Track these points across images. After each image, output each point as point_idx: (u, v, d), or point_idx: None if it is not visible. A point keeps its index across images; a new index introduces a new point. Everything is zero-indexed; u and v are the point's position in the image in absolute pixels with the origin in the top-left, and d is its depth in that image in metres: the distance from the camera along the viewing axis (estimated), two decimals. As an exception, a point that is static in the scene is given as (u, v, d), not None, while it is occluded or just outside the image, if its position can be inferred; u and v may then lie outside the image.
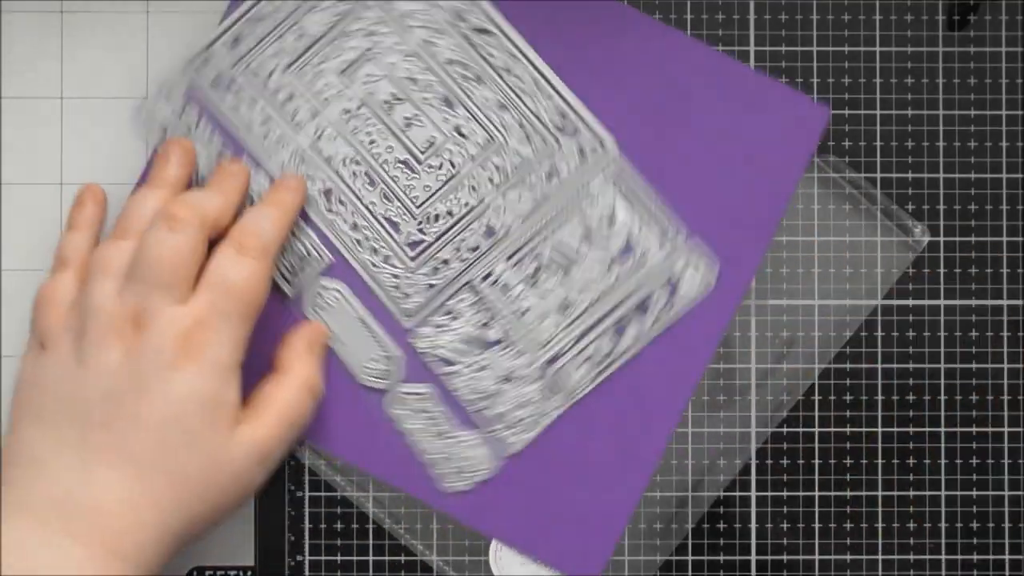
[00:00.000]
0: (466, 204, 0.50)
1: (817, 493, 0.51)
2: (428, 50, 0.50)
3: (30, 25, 0.51)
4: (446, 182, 0.50)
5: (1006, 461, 0.51)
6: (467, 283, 0.50)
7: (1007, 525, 0.51)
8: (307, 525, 0.51)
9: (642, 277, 0.50)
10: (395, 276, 0.50)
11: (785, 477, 0.51)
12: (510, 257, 0.50)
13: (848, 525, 0.51)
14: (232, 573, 0.51)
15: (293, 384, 0.47)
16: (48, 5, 0.51)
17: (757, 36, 0.51)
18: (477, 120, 0.50)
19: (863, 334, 0.51)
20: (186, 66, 0.50)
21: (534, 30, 0.50)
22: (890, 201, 0.51)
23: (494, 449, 0.50)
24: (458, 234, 0.50)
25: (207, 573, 0.51)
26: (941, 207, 0.51)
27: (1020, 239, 0.51)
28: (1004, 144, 0.51)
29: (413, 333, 0.50)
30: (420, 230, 0.50)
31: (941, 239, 0.51)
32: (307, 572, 0.51)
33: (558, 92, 0.50)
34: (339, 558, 0.51)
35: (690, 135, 0.50)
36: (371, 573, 0.51)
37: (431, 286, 0.50)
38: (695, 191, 0.50)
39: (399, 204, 0.50)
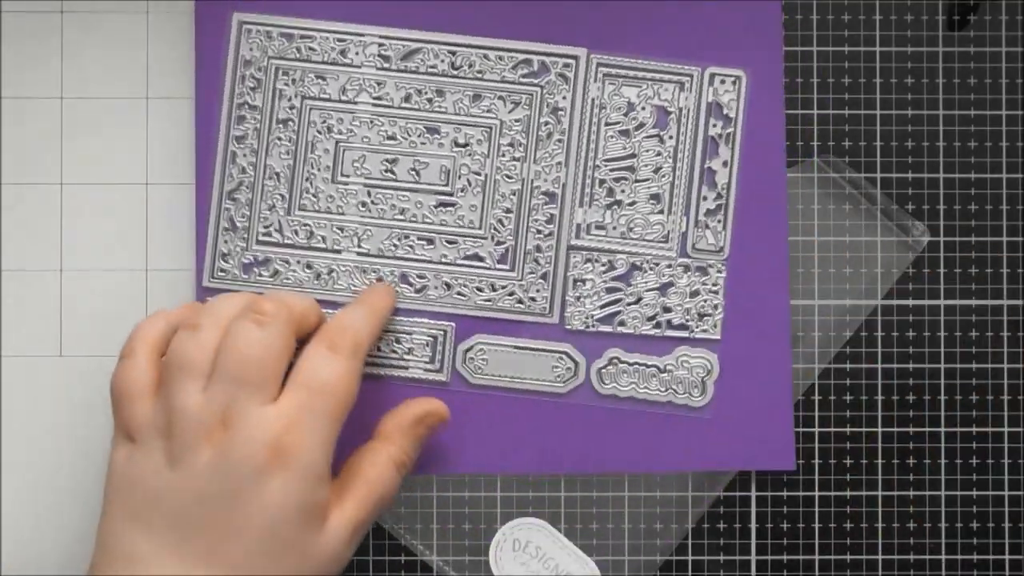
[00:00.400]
0: (512, 192, 0.50)
1: (817, 493, 0.51)
2: (379, 104, 0.50)
3: (30, 25, 0.51)
4: (484, 189, 0.50)
5: (1006, 461, 0.51)
6: (568, 247, 0.50)
7: (1007, 525, 0.51)
8: (307, 525, 0.51)
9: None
10: (513, 296, 0.50)
11: (785, 477, 0.51)
12: (581, 203, 0.50)
13: (848, 525, 0.51)
14: (232, 573, 0.51)
15: (383, 461, 0.47)
16: (48, 5, 0.51)
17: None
18: (460, 123, 0.50)
19: (863, 334, 0.51)
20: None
21: None
22: (890, 201, 0.51)
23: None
24: (528, 220, 0.50)
25: (207, 573, 0.51)
26: (941, 207, 0.51)
27: (1020, 239, 0.51)
28: (1004, 144, 0.51)
29: (571, 322, 0.50)
30: (499, 243, 0.50)
31: (941, 239, 0.51)
32: (307, 572, 0.51)
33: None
34: (339, 558, 0.51)
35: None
36: (371, 573, 0.51)
37: (544, 276, 0.50)
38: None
39: (466, 238, 0.50)
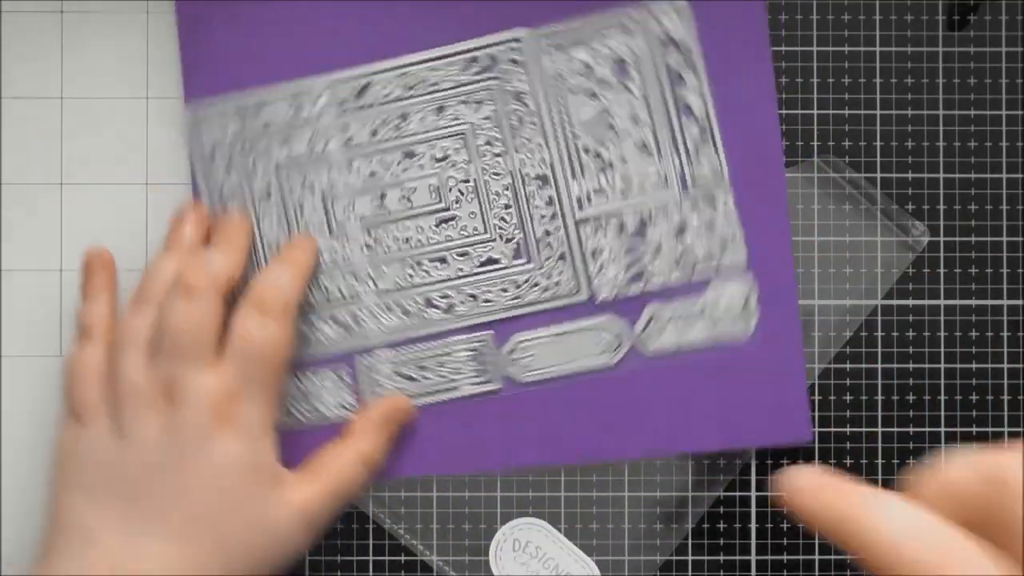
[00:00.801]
0: (505, 188, 0.50)
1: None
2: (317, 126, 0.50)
3: (30, 25, 0.51)
4: (476, 193, 0.50)
5: (1006, 461, 0.51)
6: (576, 222, 0.50)
7: None
8: (307, 525, 0.51)
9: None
10: (538, 286, 0.50)
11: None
12: (573, 175, 0.50)
13: (848, 525, 0.51)
14: (232, 573, 0.51)
15: (351, 455, 0.48)
16: (48, 5, 0.51)
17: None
18: (433, 139, 0.50)
19: (863, 334, 0.51)
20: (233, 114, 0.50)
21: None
22: (890, 201, 0.51)
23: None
24: (528, 209, 0.50)
25: (207, 573, 0.51)
26: (941, 207, 0.51)
27: (1020, 239, 0.51)
28: (1004, 144, 0.51)
29: (600, 294, 0.50)
30: (508, 239, 0.50)
31: (941, 239, 0.51)
32: (307, 572, 0.51)
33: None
34: (339, 558, 0.51)
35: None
36: (371, 573, 0.51)
37: (562, 257, 0.50)
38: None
39: (475, 246, 0.50)
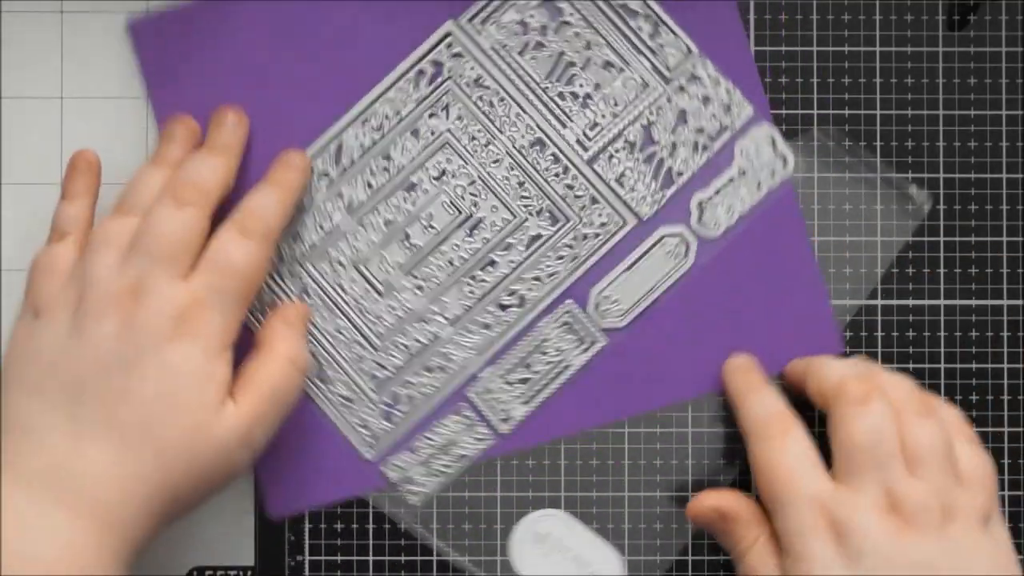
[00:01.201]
0: (510, 168, 0.50)
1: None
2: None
3: (30, 25, 0.51)
4: (488, 188, 0.50)
5: (1006, 461, 0.51)
6: (587, 162, 0.50)
7: (1008, 526, 0.51)
8: (307, 525, 0.51)
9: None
10: (587, 237, 0.50)
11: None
12: (562, 124, 0.50)
13: (848, 525, 0.51)
14: (232, 573, 0.51)
15: (275, 360, 0.47)
16: (48, 5, 0.51)
17: (757, 36, 0.51)
18: (420, 163, 0.50)
19: (863, 334, 0.51)
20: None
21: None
22: (890, 168, 0.51)
23: None
24: (540, 175, 0.50)
25: (207, 573, 0.51)
26: (941, 207, 0.51)
27: (1020, 239, 0.51)
28: (1004, 144, 0.51)
29: (644, 210, 0.50)
30: (538, 212, 0.50)
31: (941, 239, 0.51)
32: (307, 572, 0.51)
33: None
34: (339, 558, 0.51)
35: None
36: (371, 573, 0.51)
37: (594, 200, 0.50)
38: None
39: (512, 235, 0.51)
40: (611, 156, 0.50)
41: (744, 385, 0.49)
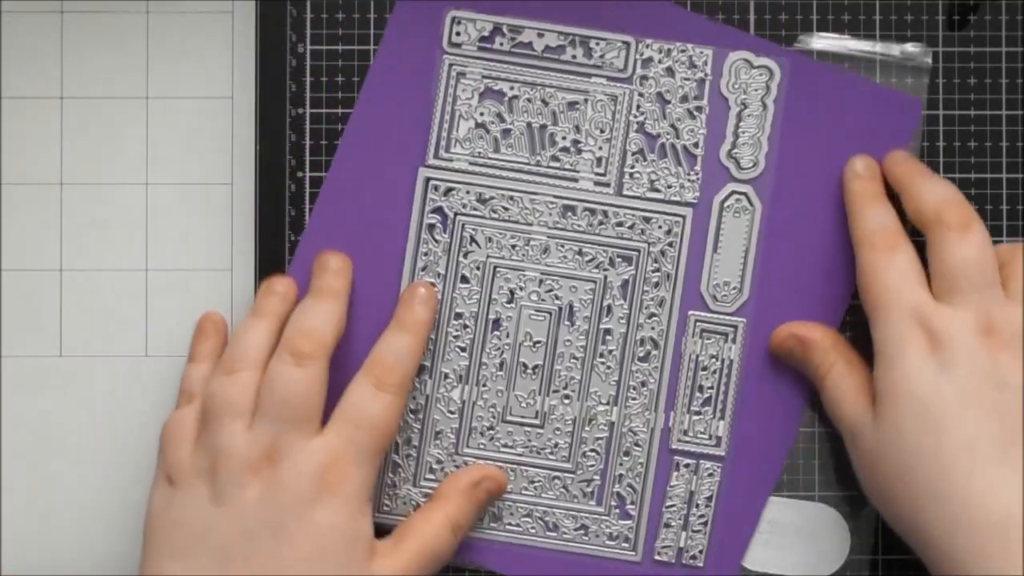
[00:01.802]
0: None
1: (817, 493, 0.51)
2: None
3: (30, 25, 0.51)
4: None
5: (1006, 461, 0.51)
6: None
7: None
8: (307, 525, 0.51)
9: None
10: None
11: (785, 478, 0.51)
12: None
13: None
14: (232, 573, 0.51)
15: (439, 520, 0.47)
16: (48, 5, 0.51)
17: (757, 36, 0.51)
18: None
19: (864, 333, 0.51)
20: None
21: None
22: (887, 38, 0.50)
23: None
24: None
25: (207, 573, 0.51)
26: (941, 207, 0.51)
27: (1020, 239, 0.51)
28: (1004, 144, 0.51)
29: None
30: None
31: (941, 239, 0.51)
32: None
33: None
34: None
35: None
36: (371, 573, 0.51)
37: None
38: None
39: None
40: (631, 175, 0.50)
41: (863, 193, 0.49)
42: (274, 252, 0.51)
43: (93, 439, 0.51)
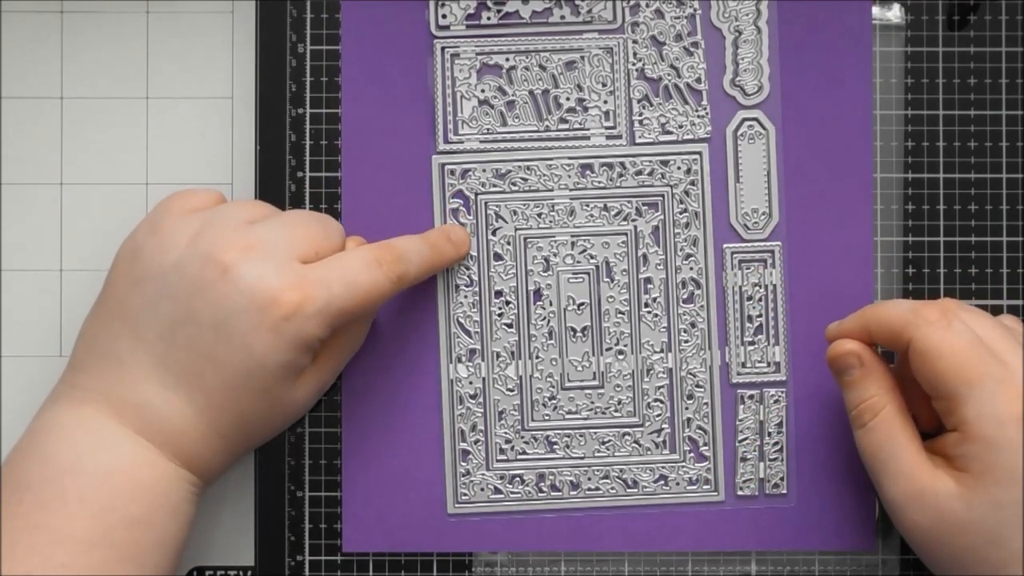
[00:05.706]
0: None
1: (817, 493, 0.51)
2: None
3: (30, 25, 0.51)
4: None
5: (1006, 461, 0.51)
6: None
7: None
8: (307, 525, 0.51)
9: None
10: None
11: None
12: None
13: (848, 525, 0.51)
14: (232, 573, 0.51)
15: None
16: (48, 5, 0.51)
17: (757, 36, 0.51)
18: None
19: (863, 334, 0.51)
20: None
21: None
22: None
23: None
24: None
25: (207, 573, 0.51)
26: (941, 207, 0.51)
27: (1020, 239, 0.51)
28: (1004, 144, 0.51)
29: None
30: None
31: (941, 239, 0.51)
32: (307, 572, 0.51)
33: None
34: (339, 558, 0.51)
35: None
36: (371, 573, 0.51)
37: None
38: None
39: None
40: (641, 122, 0.50)
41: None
42: (274, 252, 0.51)
43: (93, 439, 0.51)
